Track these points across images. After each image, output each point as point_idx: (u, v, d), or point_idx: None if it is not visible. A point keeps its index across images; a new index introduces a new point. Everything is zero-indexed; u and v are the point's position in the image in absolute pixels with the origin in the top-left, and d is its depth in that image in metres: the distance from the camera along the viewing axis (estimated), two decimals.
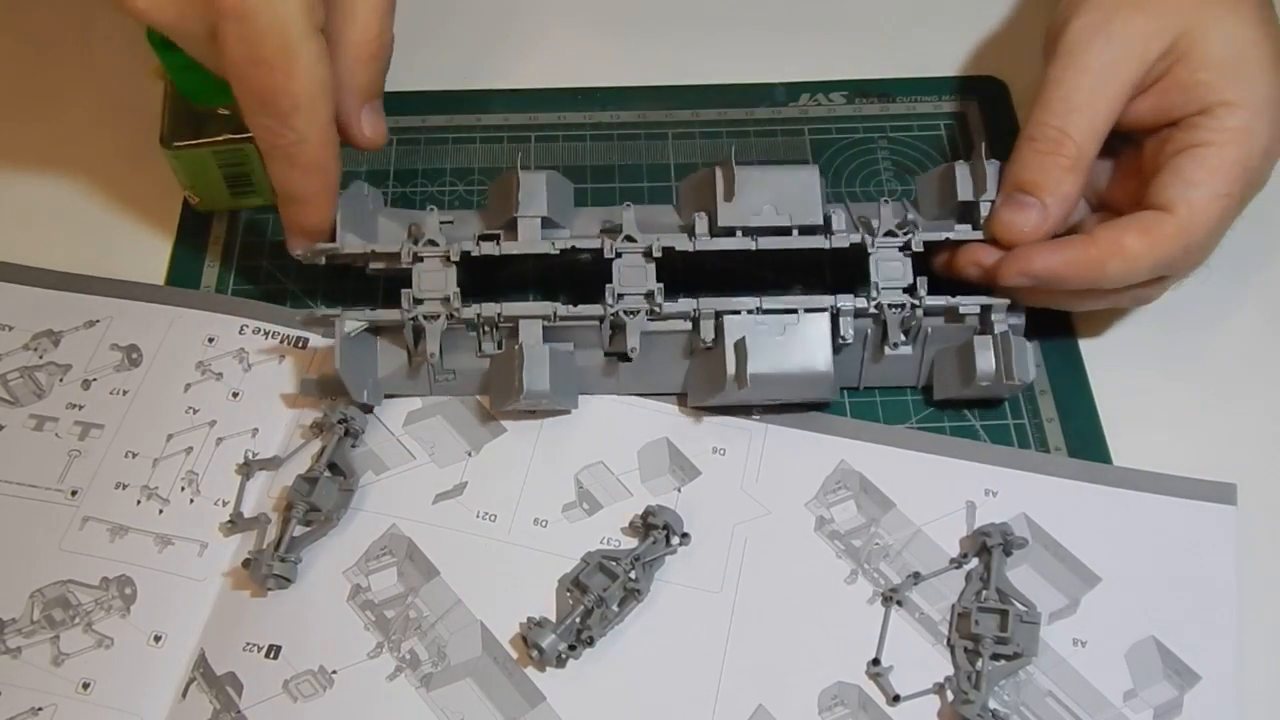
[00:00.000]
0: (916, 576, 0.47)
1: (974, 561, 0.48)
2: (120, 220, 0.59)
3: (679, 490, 0.50)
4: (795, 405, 0.51)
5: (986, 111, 0.62)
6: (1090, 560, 0.48)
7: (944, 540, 0.49)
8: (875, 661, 0.46)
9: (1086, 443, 0.51)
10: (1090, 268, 0.48)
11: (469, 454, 0.51)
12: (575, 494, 0.50)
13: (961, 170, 0.52)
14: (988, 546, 0.47)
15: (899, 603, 0.47)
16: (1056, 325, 0.55)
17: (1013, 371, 0.49)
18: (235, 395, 0.52)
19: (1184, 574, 0.47)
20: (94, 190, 0.60)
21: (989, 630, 0.45)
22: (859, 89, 0.64)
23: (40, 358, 0.54)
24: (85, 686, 0.46)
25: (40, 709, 0.45)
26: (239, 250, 0.58)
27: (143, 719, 0.45)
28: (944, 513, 0.49)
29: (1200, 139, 0.48)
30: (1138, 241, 0.47)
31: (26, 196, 0.60)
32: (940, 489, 0.50)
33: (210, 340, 0.54)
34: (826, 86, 0.64)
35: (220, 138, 0.55)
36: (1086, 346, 0.54)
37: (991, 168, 0.51)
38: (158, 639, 0.47)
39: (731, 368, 0.49)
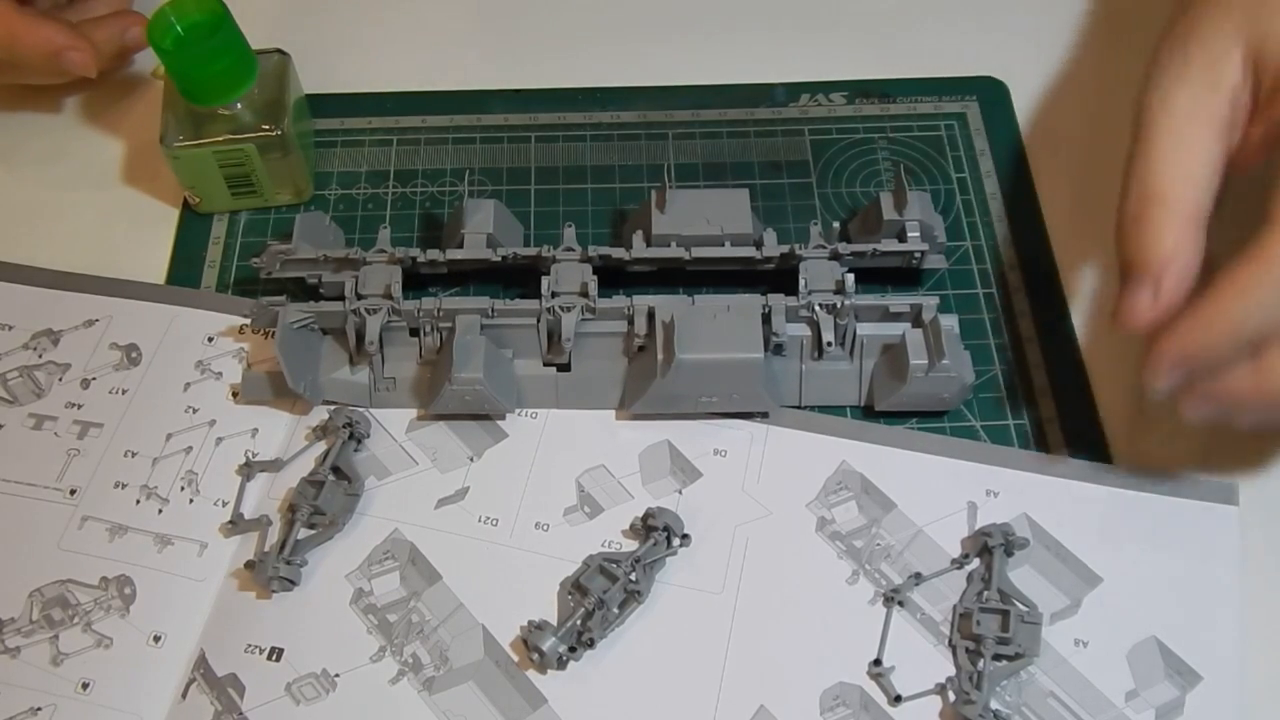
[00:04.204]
0: (918, 577, 0.47)
1: (975, 562, 0.48)
2: (120, 220, 0.59)
3: (680, 492, 0.50)
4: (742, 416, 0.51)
5: (986, 111, 0.62)
6: (1091, 560, 0.48)
7: (945, 541, 0.49)
8: (877, 662, 0.46)
9: (1086, 443, 0.51)
10: (1217, 323, 0.41)
11: (471, 459, 0.51)
12: (576, 498, 0.50)
13: (885, 196, 0.53)
14: (989, 547, 0.47)
15: (900, 603, 0.47)
16: (1056, 325, 0.55)
17: (944, 351, 0.49)
18: (235, 395, 0.52)
19: (1185, 574, 0.47)
20: (94, 190, 0.60)
21: (990, 631, 0.45)
22: (859, 89, 0.64)
23: (39, 357, 0.54)
24: (84, 686, 0.46)
25: (39, 709, 0.45)
26: (239, 250, 0.58)
27: (142, 719, 0.45)
28: (945, 513, 0.49)
29: None
30: (1249, 268, 0.40)
31: (26, 196, 0.60)
32: (941, 489, 0.50)
33: (209, 340, 0.54)
34: (826, 86, 0.64)
35: (220, 138, 0.55)
36: (1086, 346, 0.54)
37: (915, 195, 0.53)
38: (157, 639, 0.46)
39: (660, 351, 0.49)
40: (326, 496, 0.48)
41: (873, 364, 0.52)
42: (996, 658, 0.45)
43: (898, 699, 0.45)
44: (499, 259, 0.53)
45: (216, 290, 0.56)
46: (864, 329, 0.51)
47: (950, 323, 0.50)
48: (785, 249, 0.53)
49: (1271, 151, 0.42)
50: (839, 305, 0.50)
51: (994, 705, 0.44)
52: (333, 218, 0.57)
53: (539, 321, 0.51)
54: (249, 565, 0.47)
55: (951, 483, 0.50)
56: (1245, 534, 0.48)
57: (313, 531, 0.48)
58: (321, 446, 0.51)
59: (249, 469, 0.50)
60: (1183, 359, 0.42)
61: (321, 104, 0.62)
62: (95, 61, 0.57)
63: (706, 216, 0.53)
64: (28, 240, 0.58)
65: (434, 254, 0.53)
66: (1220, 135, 0.43)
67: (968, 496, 0.49)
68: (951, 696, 0.45)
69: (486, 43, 0.66)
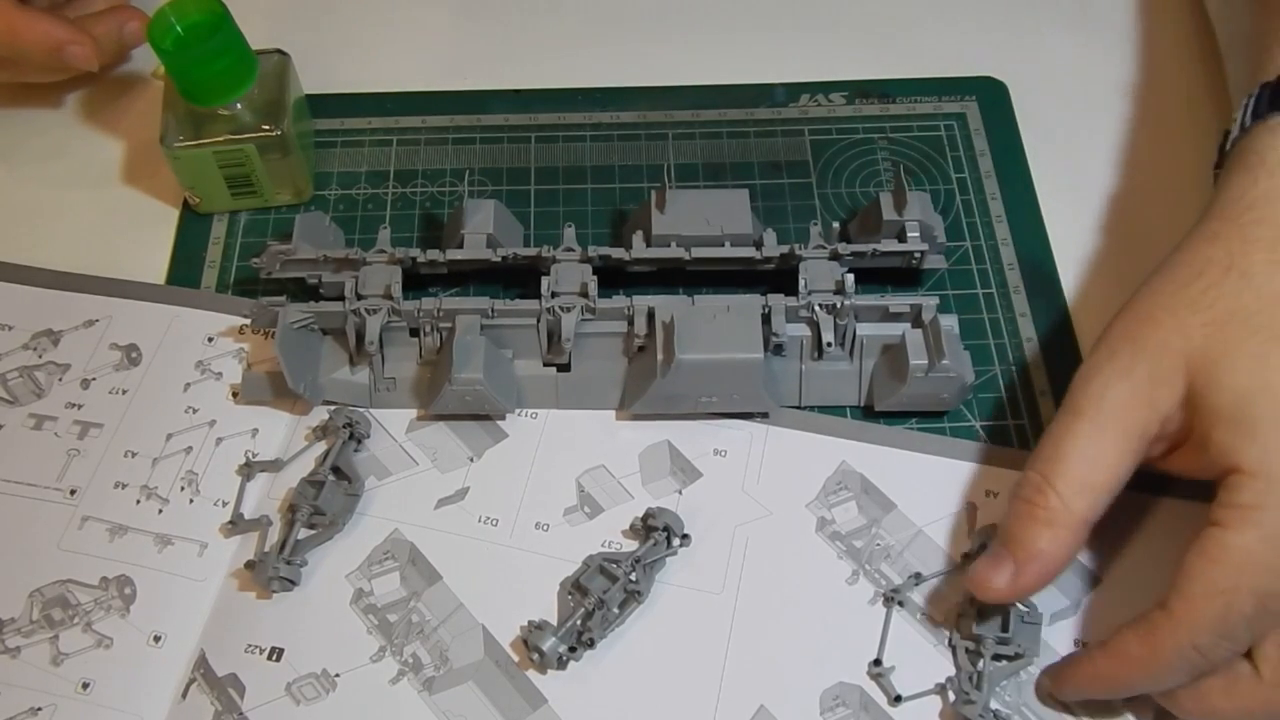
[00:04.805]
0: (918, 577, 0.47)
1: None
2: (120, 220, 0.59)
3: (680, 492, 0.50)
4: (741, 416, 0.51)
5: (986, 111, 0.63)
6: (1090, 561, 0.48)
7: (945, 541, 0.49)
8: (877, 662, 0.46)
9: None
10: (1110, 681, 0.43)
11: (471, 459, 0.51)
12: (577, 498, 0.50)
13: (885, 196, 0.54)
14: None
15: (900, 603, 0.47)
16: (1056, 325, 0.55)
17: (944, 351, 0.49)
18: (235, 395, 0.52)
19: None
20: (94, 190, 0.60)
21: (990, 631, 0.45)
22: (859, 89, 0.64)
23: (39, 357, 0.54)
24: (84, 686, 0.46)
25: (39, 709, 0.45)
26: (239, 250, 0.58)
27: (142, 719, 0.45)
28: (945, 514, 0.49)
29: (1213, 516, 0.40)
30: (1139, 648, 0.41)
31: (27, 196, 0.60)
32: (941, 490, 0.50)
33: (209, 340, 0.54)
34: (826, 87, 0.64)
35: (220, 138, 0.55)
36: (1086, 347, 0.54)
37: (915, 196, 0.53)
38: (157, 639, 0.46)
39: (660, 351, 0.49)
40: (326, 496, 0.48)
41: (873, 364, 0.52)
42: (996, 658, 0.45)
43: (898, 699, 0.45)
44: (499, 259, 0.53)
45: (216, 290, 0.56)
46: (864, 329, 0.51)
47: (950, 323, 0.51)
48: (785, 249, 0.53)
49: (1210, 477, 0.42)
50: (839, 305, 0.51)
51: (994, 705, 0.44)
52: (333, 218, 0.57)
53: (539, 322, 0.51)
54: (249, 565, 0.47)
55: (951, 483, 0.50)
56: None
57: (313, 531, 0.48)
58: (321, 446, 0.51)
59: (249, 469, 0.50)
60: (1078, 695, 0.44)
61: (321, 104, 0.62)
62: (96, 55, 0.57)
63: (706, 217, 0.53)
64: (28, 240, 0.58)
65: (434, 254, 0.53)
66: (1140, 447, 0.42)
67: (967, 497, 0.49)
68: (951, 696, 0.45)
69: (487, 43, 0.66)
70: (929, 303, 0.50)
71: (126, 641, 0.46)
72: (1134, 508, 0.49)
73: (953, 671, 0.46)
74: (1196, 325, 0.42)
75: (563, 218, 0.58)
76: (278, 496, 0.50)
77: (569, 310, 0.50)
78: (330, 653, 0.46)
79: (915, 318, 0.51)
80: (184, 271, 0.57)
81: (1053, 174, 0.60)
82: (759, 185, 0.60)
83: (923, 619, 0.47)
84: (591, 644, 0.46)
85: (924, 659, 0.46)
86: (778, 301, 0.50)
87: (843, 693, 0.45)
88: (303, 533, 0.48)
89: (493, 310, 0.51)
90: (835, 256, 0.53)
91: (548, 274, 0.51)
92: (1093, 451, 0.42)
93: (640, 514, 0.48)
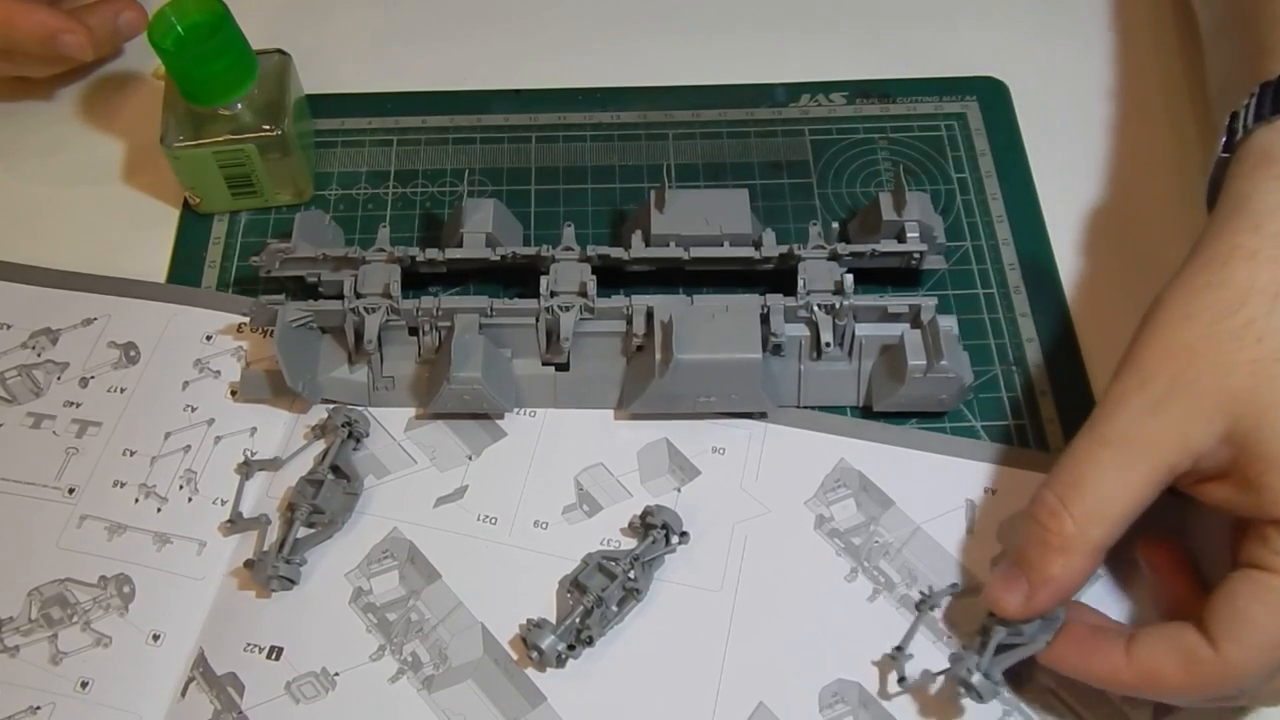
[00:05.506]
0: (954, 586, 0.47)
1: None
2: (120, 220, 0.59)
3: (679, 490, 0.50)
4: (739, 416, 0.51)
5: (986, 111, 0.63)
6: None
7: (943, 538, 0.48)
8: (899, 648, 0.45)
9: None
10: (1127, 689, 0.42)
11: (470, 458, 0.51)
12: (575, 496, 0.50)
13: (885, 196, 0.54)
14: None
15: (933, 608, 0.46)
16: (1056, 325, 0.55)
17: (942, 352, 0.49)
18: (233, 393, 0.52)
19: None
20: (94, 190, 0.60)
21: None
22: (859, 89, 0.64)
23: (38, 355, 0.54)
24: (83, 685, 0.46)
25: (38, 708, 0.45)
26: (239, 250, 0.58)
27: (141, 718, 0.45)
28: (943, 510, 0.49)
29: (1265, 560, 0.39)
30: (1175, 675, 0.40)
31: (26, 196, 0.60)
32: (939, 487, 0.50)
33: (208, 338, 0.54)
34: (827, 87, 0.64)
35: (220, 138, 0.55)
36: (1086, 347, 0.54)
37: (914, 196, 0.53)
38: (156, 638, 0.46)
39: (659, 351, 0.49)
40: (325, 495, 0.48)
41: (871, 365, 0.52)
42: (1002, 648, 0.44)
43: (901, 680, 0.44)
44: (498, 258, 0.53)
45: (217, 291, 0.56)
46: (863, 329, 0.51)
47: (949, 323, 0.50)
48: (784, 249, 0.53)
49: (1240, 513, 0.41)
50: (838, 306, 0.50)
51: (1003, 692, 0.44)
52: (333, 218, 0.57)
53: (538, 321, 0.51)
54: (248, 564, 0.47)
55: (949, 480, 0.50)
56: None
57: (312, 530, 0.48)
58: (320, 445, 0.51)
59: (248, 468, 0.50)
60: (1082, 680, 0.43)
61: (321, 104, 0.62)
62: (91, 44, 0.58)
63: (706, 216, 0.53)
64: (27, 239, 0.58)
65: (433, 253, 0.53)
66: (1166, 480, 0.41)
67: (966, 494, 0.49)
68: (948, 664, 0.44)
69: (487, 43, 0.66)
70: (928, 303, 0.50)
71: (125, 640, 0.46)
72: None
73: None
74: (1242, 362, 0.40)
75: (563, 217, 0.58)
76: (276, 495, 0.50)
77: (568, 309, 0.50)
78: (329, 651, 0.46)
79: (914, 318, 0.51)
80: (184, 271, 0.57)
81: (1053, 174, 0.60)
82: (759, 185, 0.60)
83: (945, 625, 0.46)
84: (590, 642, 0.46)
85: (941, 663, 0.45)
86: (776, 301, 0.50)
87: (841, 689, 0.45)
88: (302, 531, 0.48)
89: (491, 309, 0.51)
90: (834, 257, 0.53)
91: (547, 273, 0.51)
92: (1116, 484, 0.41)
93: (639, 512, 0.48)
